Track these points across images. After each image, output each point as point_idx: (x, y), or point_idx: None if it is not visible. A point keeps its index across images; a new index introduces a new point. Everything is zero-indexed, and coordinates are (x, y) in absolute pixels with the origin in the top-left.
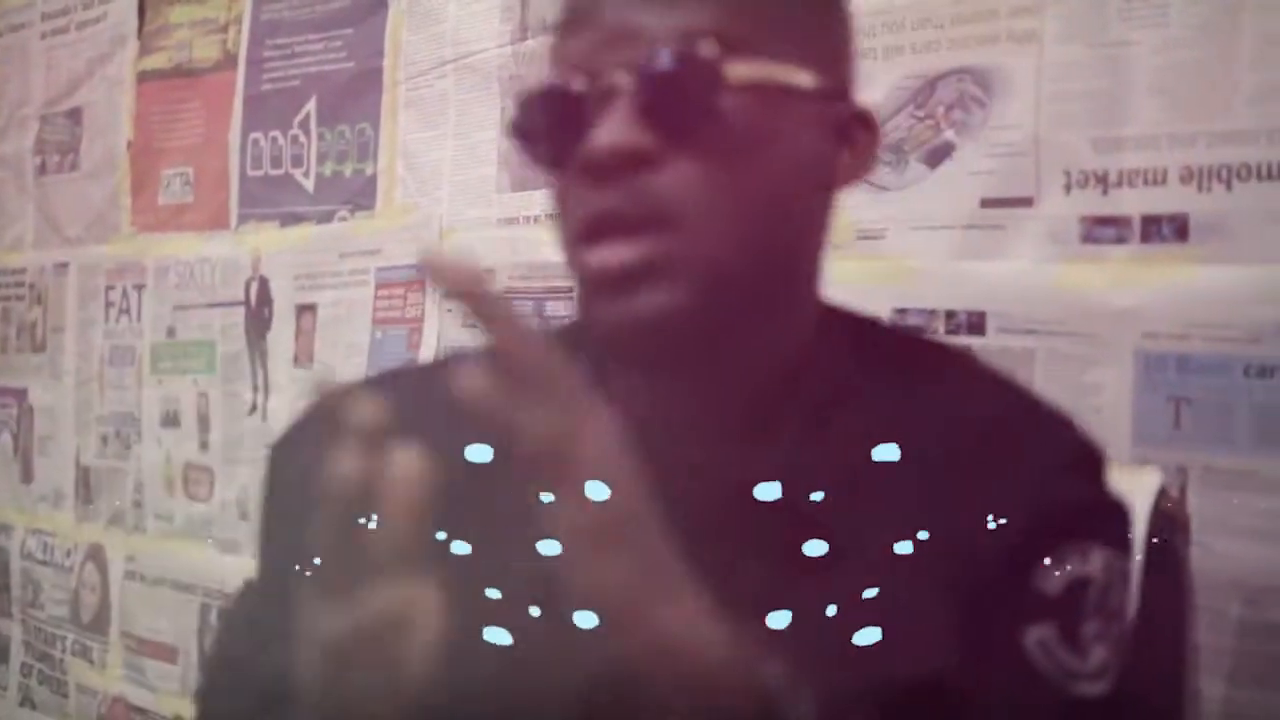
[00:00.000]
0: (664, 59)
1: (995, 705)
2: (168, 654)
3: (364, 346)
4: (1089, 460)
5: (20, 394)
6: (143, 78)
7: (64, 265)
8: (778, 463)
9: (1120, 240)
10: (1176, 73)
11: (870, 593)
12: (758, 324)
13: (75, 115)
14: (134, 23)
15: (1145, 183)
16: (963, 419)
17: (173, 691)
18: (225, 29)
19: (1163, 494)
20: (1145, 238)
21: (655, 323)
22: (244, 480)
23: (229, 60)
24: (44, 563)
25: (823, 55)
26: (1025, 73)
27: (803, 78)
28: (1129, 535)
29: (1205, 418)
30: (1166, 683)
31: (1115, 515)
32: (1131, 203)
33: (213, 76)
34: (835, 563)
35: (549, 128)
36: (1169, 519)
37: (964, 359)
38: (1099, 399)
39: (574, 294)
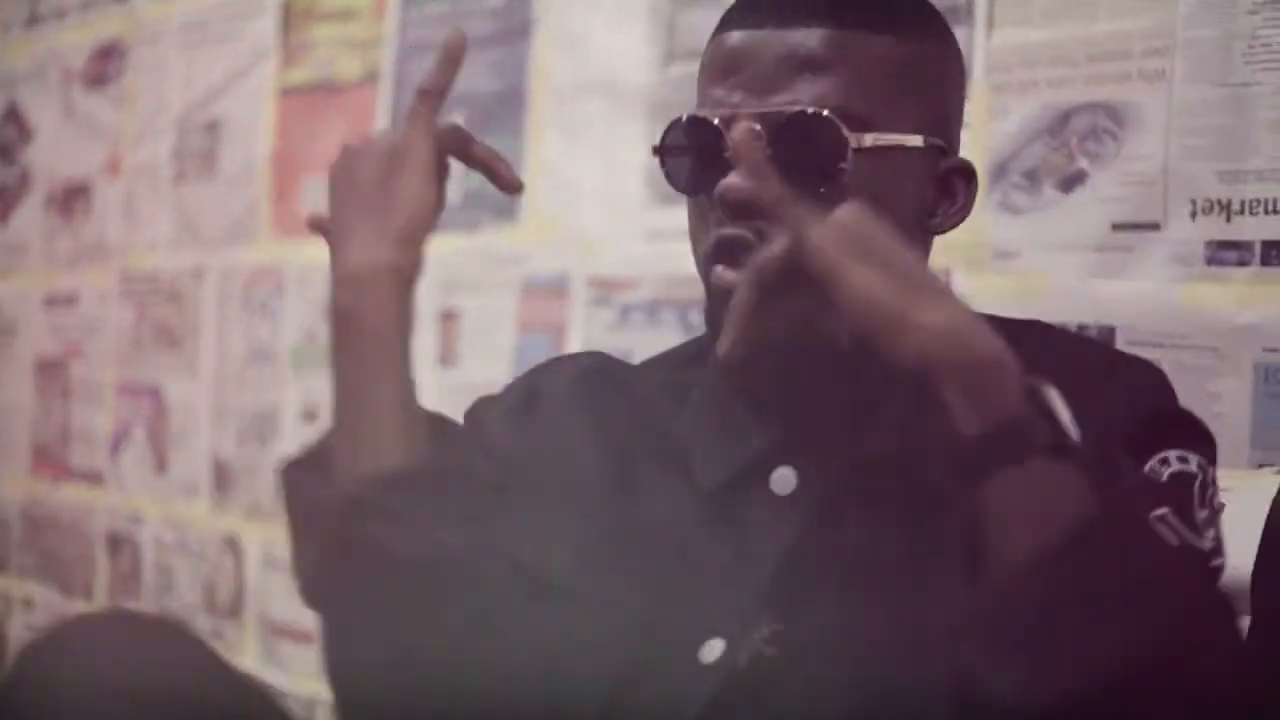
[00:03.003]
0: (798, 124)
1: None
2: (304, 637)
3: (508, 351)
4: (1169, 390)
5: (154, 390)
6: (284, 91)
7: (201, 268)
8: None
9: (1242, 263)
10: None
11: None
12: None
13: (213, 125)
14: (275, 38)
15: (1266, 211)
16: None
17: (308, 673)
18: (368, 46)
19: None
20: (1265, 261)
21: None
22: None
23: (371, 76)
24: (177, 551)
25: (934, 119)
26: (1156, 109)
27: (913, 140)
28: (1213, 446)
29: None
30: None
31: (1199, 428)
32: (1253, 229)
33: (355, 91)
34: None
35: (691, 158)
36: None
37: (1043, 327)
38: (1220, 407)
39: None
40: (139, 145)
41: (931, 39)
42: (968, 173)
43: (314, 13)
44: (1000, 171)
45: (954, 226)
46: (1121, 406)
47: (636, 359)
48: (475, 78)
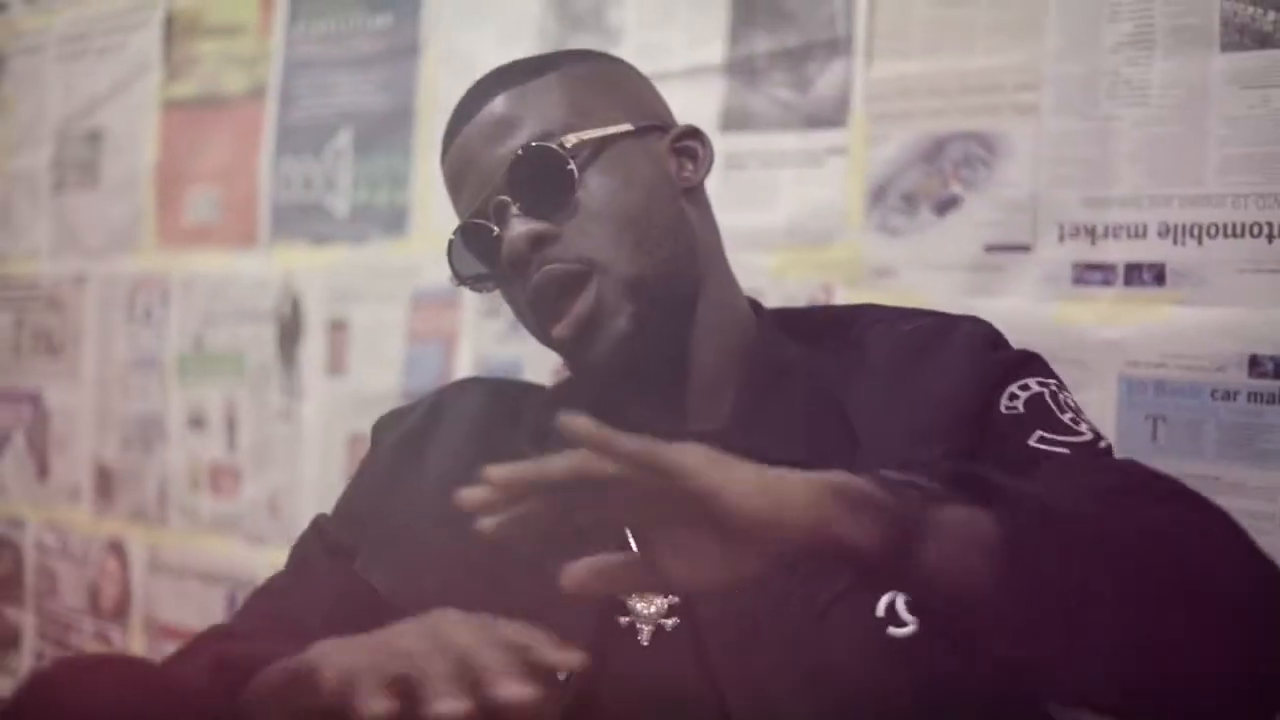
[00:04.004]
0: (520, 168)
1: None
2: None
3: (398, 359)
4: (998, 336)
5: (34, 396)
6: (168, 104)
7: (83, 276)
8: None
9: (1106, 283)
10: (1156, 145)
11: None
12: (691, 314)
13: (95, 135)
14: (158, 52)
15: (1128, 236)
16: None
17: None
18: (254, 62)
19: None
20: (1128, 282)
21: (619, 347)
22: (274, 480)
23: (258, 91)
24: (60, 555)
25: (636, 110)
26: (1025, 139)
27: (623, 127)
28: (1048, 368)
29: (1178, 433)
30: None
31: (1033, 358)
32: (1116, 252)
33: (241, 106)
34: None
35: (480, 262)
36: None
37: (875, 308)
38: (1087, 416)
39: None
40: (16, 154)
41: (591, 62)
42: (695, 133)
43: (198, 28)
44: (879, 195)
45: (706, 176)
46: (963, 360)
47: (525, 369)
48: (363, 95)
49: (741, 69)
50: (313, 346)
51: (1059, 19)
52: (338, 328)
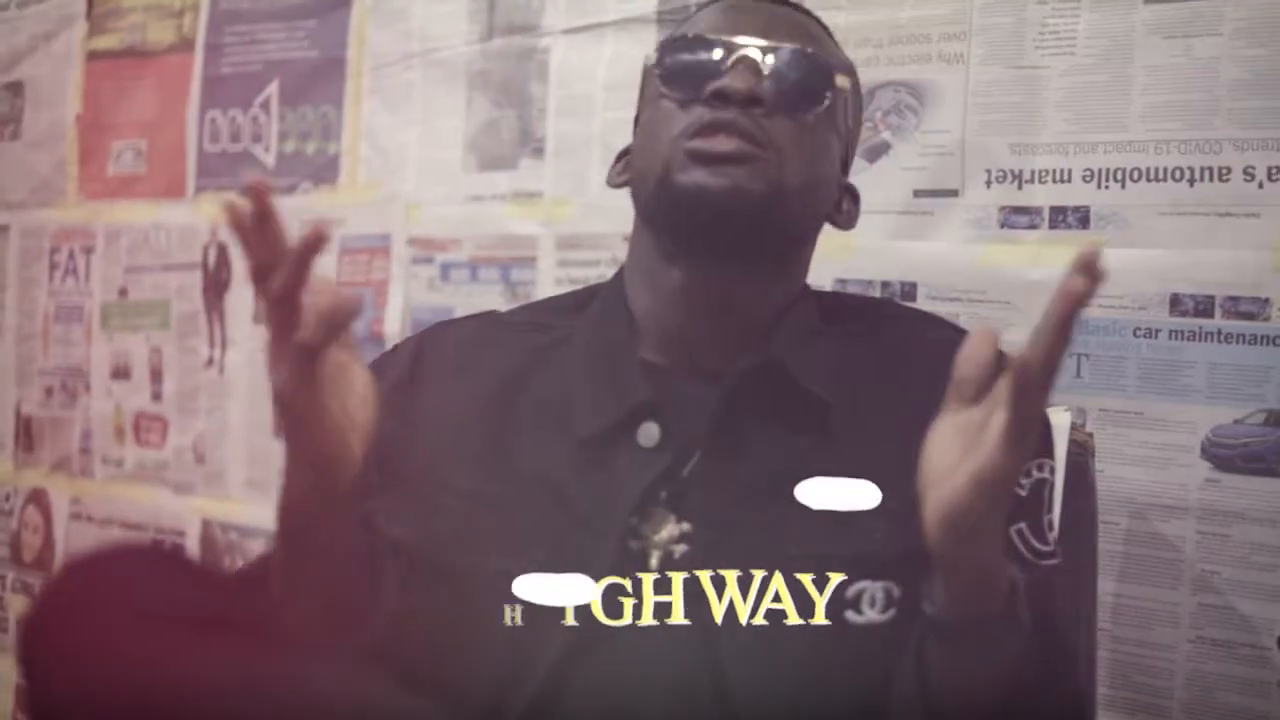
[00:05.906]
0: (796, 53)
1: None
2: None
3: None
4: None
5: None
6: (92, 56)
7: (4, 228)
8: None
9: (1032, 226)
10: (1081, 93)
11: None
12: (778, 254)
13: (16, 88)
14: (82, 4)
15: (1053, 181)
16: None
17: None
18: (180, 15)
19: (1075, 428)
20: (1053, 224)
21: (731, 193)
22: (200, 427)
23: (185, 44)
24: None
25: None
26: (953, 88)
27: (846, 82)
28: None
29: (1101, 369)
30: (1081, 578)
31: (1049, 428)
32: (1042, 196)
33: (167, 58)
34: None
35: (690, 64)
36: (1081, 447)
37: (894, 306)
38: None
39: (650, 187)
40: None
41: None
42: (853, 194)
43: None
44: None
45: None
46: None
47: (458, 314)
48: (292, 46)
49: (674, 19)
50: (240, 296)
51: None
52: None
